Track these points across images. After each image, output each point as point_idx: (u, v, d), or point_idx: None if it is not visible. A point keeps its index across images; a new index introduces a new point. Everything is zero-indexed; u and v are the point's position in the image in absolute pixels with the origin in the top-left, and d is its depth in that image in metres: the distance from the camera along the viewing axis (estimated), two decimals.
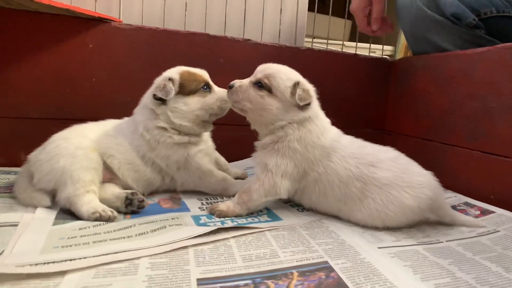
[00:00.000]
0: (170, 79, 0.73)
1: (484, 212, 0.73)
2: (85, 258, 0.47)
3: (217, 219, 0.64)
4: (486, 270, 0.51)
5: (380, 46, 1.44)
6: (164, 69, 0.78)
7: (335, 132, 0.69)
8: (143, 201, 0.66)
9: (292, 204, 0.75)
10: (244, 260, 0.50)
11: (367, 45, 1.35)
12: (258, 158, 0.68)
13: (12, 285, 0.41)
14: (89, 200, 0.62)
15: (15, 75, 0.87)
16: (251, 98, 0.66)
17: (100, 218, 0.60)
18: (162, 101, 0.73)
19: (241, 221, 0.64)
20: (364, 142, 0.69)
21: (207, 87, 0.77)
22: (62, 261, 0.46)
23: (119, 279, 0.44)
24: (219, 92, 0.78)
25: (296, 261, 0.50)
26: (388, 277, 0.47)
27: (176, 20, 1.12)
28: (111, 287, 0.42)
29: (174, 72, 0.76)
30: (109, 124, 0.77)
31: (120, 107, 0.83)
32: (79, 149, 0.67)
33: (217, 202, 0.73)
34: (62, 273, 0.44)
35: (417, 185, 0.61)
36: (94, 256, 0.47)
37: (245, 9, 1.17)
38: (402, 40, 1.55)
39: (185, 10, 1.11)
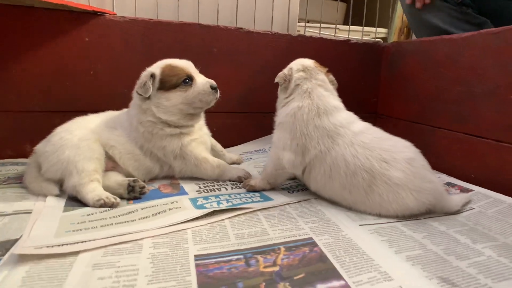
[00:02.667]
0: (152, 75, 0.75)
1: (463, 191, 0.78)
2: (94, 240, 0.52)
3: (213, 199, 0.70)
4: (455, 242, 0.56)
5: (373, 29, 1.44)
6: (158, 60, 0.80)
7: (344, 117, 0.70)
8: (144, 187, 0.71)
9: (283, 187, 0.80)
10: (237, 238, 0.55)
11: (360, 28, 1.36)
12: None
13: (33, 264, 0.46)
14: (93, 188, 0.67)
15: (17, 71, 0.90)
16: None
17: (105, 205, 0.65)
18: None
19: (236, 202, 0.69)
20: (383, 134, 0.69)
21: (189, 81, 0.77)
22: (75, 243, 0.51)
23: (125, 257, 0.49)
24: (200, 85, 0.77)
25: (284, 238, 0.56)
26: (365, 251, 0.52)
27: (169, 11, 1.12)
28: (118, 264, 0.48)
29: (157, 67, 0.77)
30: (109, 116, 0.81)
31: (118, 98, 0.87)
32: (83, 140, 0.71)
33: (213, 186, 0.79)
34: (76, 253, 0.49)
35: (424, 191, 0.62)
36: (102, 238, 0.53)
37: None
38: (396, 22, 1.55)
39: (178, 0, 1.11)
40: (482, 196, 0.74)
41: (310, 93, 0.72)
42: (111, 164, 0.76)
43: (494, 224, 0.62)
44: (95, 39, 0.94)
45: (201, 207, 0.66)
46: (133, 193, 0.70)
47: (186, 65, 0.78)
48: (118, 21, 0.95)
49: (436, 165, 0.90)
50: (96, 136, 0.74)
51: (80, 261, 0.48)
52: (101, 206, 0.65)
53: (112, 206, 0.65)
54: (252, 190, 0.75)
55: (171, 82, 0.76)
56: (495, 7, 0.94)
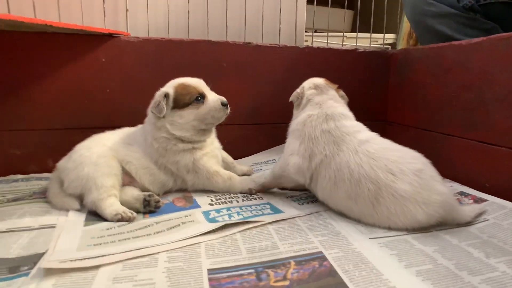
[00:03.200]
0: (166, 95, 0.79)
1: (477, 201, 0.76)
2: (113, 254, 0.55)
3: (225, 212, 0.72)
4: (468, 256, 0.55)
5: (381, 35, 1.44)
6: (171, 77, 0.84)
7: (352, 124, 0.72)
8: (159, 201, 0.74)
9: (294, 199, 0.81)
10: (248, 252, 0.57)
11: (368, 34, 1.36)
12: None
13: (59, 277, 0.50)
14: (111, 203, 0.70)
15: (39, 92, 0.96)
16: None
17: (122, 219, 0.68)
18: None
19: (246, 214, 0.70)
20: (390, 145, 0.68)
21: (200, 98, 0.81)
22: (96, 257, 0.54)
23: (142, 271, 0.52)
24: (211, 102, 0.81)
25: (294, 252, 0.57)
26: (375, 265, 0.52)
27: (179, 29, 1.17)
28: (136, 278, 0.50)
29: (170, 86, 0.81)
30: (125, 133, 0.85)
31: (133, 115, 0.90)
32: (101, 157, 0.75)
33: (225, 198, 0.81)
34: (97, 267, 0.52)
35: (433, 203, 0.61)
36: (121, 253, 0.55)
37: (245, 12, 1.20)
38: (404, 28, 1.54)
39: (188, 18, 1.15)
40: (497, 207, 0.72)
41: (321, 105, 0.76)
42: (127, 179, 0.80)
43: (510, 237, 0.60)
44: (110, 59, 0.99)
45: (213, 220, 0.68)
46: (149, 207, 0.73)
47: (198, 83, 0.82)
48: (132, 41, 1.00)
49: (449, 174, 0.90)
50: (113, 152, 0.78)
51: (101, 275, 0.51)
52: (118, 220, 0.68)
53: (129, 220, 0.68)
54: (262, 190, 0.82)
55: (184, 101, 0.80)
56: (498, 11, 0.92)
